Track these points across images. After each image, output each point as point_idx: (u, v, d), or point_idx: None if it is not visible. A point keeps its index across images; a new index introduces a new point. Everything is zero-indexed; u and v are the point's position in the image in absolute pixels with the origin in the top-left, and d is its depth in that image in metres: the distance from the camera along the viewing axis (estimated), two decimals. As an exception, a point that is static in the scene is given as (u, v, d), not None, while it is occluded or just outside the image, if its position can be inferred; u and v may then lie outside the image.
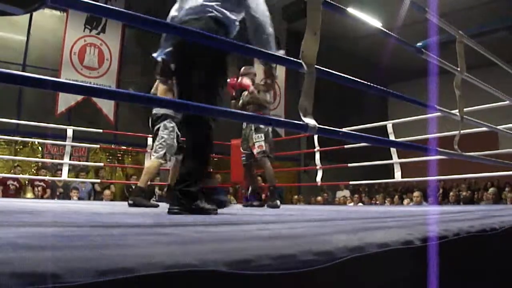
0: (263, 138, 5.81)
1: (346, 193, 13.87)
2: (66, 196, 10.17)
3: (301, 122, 1.95)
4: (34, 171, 11.77)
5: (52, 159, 12.00)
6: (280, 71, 16.92)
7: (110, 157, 14.04)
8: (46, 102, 12.16)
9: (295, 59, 2.05)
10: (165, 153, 5.24)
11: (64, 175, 8.20)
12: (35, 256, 0.77)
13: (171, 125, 5.34)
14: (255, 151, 5.91)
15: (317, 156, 9.01)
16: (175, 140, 5.34)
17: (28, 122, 8.69)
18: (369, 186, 15.88)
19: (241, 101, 6.18)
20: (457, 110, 3.66)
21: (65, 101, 12.23)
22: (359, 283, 1.11)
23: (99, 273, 0.68)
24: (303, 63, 2.01)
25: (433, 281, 1.27)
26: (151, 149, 8.99)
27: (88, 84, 1.61)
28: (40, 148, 12.67)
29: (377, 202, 13.11)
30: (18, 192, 10.11)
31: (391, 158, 7.56)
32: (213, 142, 3.15)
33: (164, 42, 3.46)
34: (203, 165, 3.14)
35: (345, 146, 8.65)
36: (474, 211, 3.81)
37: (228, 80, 5.36)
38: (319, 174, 8.89)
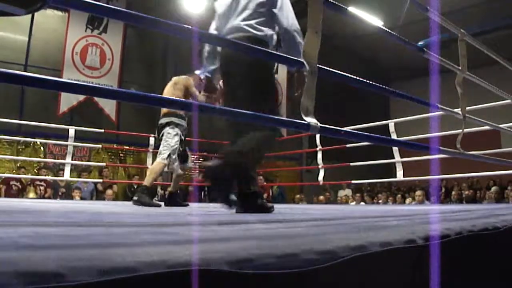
0: None
1: (348, 192, 13.88)
2: (68, 196, 10.18)
3: (303, 122, 1.95)
4: (36, 171, 11.78)
5: (54, 159, 12.02)
6: (282, 71, 16.96)
7: (112, 157, 14.06)
8: (48, 102, 12.19)
9: (296, 58, 2.05)
10: (169, 155, 5.44)
11: (66, 175, 8.21)
12: (38, 255, 0.77)
13: (175, 131, 5.53)
14: None
15: (319, 155, 9.00)
16: (179, 143, 5.53)
17: (30, 122, 8.70)
18: (371, 185, 15.88)
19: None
20: (459, 109, 3.66)
21: (67, 101, 12.26)
22: (361, 282, 1.11)
23: (102, 273, 0.68)
24: (304, 62, 2.00)
25: (435, 280, 1.27)
26: (153, 148, 9.05)
27: (90, 84, 1.61)
28: (42, 148, 12.69)
29: (379, 201, 13.11)
30: (20, 192, 10.12)
31: (393, 157, 7.55)
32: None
33: (207, 60, 3.61)
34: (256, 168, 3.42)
35: (347, 145, 8.64)
36: (476, 210, 3.81)
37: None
38: (321, 173, 8.89)
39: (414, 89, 7.58)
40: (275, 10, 3.32)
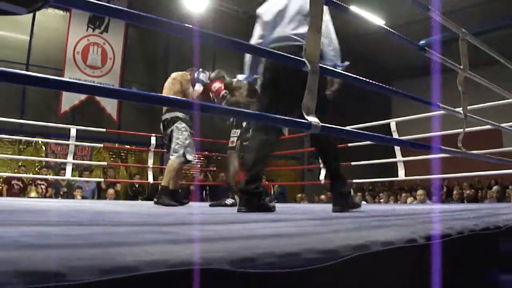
0: (238, 134, 5.71)
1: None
2: (69, 195, 10.18)
3: (304, 121, 1.95)
4: (38, 171, 11.79)
5: (56, 158, 12.02)
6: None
7: (114, 156, 14.06)
8: (49, 101, 12.20)
9: (298, 58, 2.05)
10: (184, 152, 5.36)
11: (68, 174, 8.21)
12: (39, 254, 0.77)
13: (183, 125, 5.45)
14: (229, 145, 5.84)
15: (321, 154, 8.98)
16: (190, 137, 5.46)
17: (31, 121, 8.70)
18: (373, 185, 15.87)
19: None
20: (460, 108, 3.65)
21: (69, 100, 12.27)
22: (362, 281, 1.11)
23: (103, 272, 0.68)
24: (306, 61, 2.00)
25: (436, 280, 1.27)
26: (155, 148, 9.05)
27: (91, 83, 1.61)
28: (43, 147, 12.70)
29: (381, 200, 13.10)
30: (22, 191, 10.12)
31: (395, 157, 7.54)
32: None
33: (250, 68, 3.77)
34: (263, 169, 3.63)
35: (349, 145, 8.63)
36: (478, 209, 3.81)
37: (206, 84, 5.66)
38: (323, 172, 8.88)
39: (415, 88, 7.60)
40: (325, 24, 3.30)
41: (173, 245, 1.01)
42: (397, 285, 1.24)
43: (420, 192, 10.52)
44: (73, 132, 8.14)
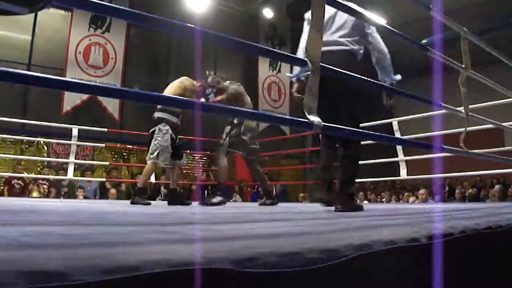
0: (227, 131, 5.71)
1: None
2: (71, 195, 10.19)
3: (306, 120, 1.95)
4: (39, 170, 11.79)
5: (58, 158, 12.03)
6: (285, 69, 16.95)
7: (116, 156, 14.07)
8: (51, 101, 12.19)
9: (299, 57, 2.05)
10: (158, 154, 5.49)
11: (70, 174, 8.22)
12: (41, 254, 0.77)
13: (166, 128, 5.56)
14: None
15: (322, 154, 8.98)
16: (169, 141, 5.54)
17: (33, 121, 8.71)
18: (375, 184, 15.85)
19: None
20: (462, 107, 3.65)
21: (71, 100, 12.26)
22: (365, 280, 1.11)
23: (105, 272, 0.68)
24: (307, 60, 2.00)
25: (439, 279, 1.27)
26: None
27: (93, 83, 1.61)
28: (45, 147, 12.71)
29: (383, 199, 13.09)
30: (23, 191, 10.11)
31: (397, 156, 7.54)
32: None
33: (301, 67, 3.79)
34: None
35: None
36: (480, 208, 3.81)
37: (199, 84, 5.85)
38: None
39: (416, 88, 7.57)
40: (368, 31, 3.82)
41: (175, 245, 1.01)
42: (399, 284, 1.24)
43: (422, 191, 10.51)
44: (75, 132, 8.15)
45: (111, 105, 12.95)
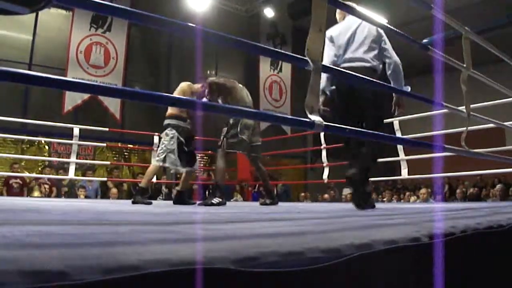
0: (224, 133, 5.73)
1: (353, 190, 13.83)
2: (72, 194, 10.19)
3: (307, 120, 1.95)
4: (41, 170, 11.80)
5: (59, 157, 12.04)
6: (286, 69, 16.95)
7: (117, 155, 14.08)
8: (52, 101, 12.20)
9: (300, 56, 2.05)
10: (165, 157, 5.73)
11: (71, 174, 8.22)
12: (42, 254, 0.77)
13: (172, 132, 5.79)
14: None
15: (324, 153, 8.99)
16: (175, 145, 5.76)
17: (34, 121, 8.72)
18: (376, 183, 15.86)
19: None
20: (463, 107, 3.65)
21: (72, 100, 12.27)
22: (366, 280, 1.11)
23: (106, 271, 0.68)
24: (308, 59, 2.00)
25: (440, 278, 1.27)
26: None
27: (95, 83, 1.61)
28: (46, 147, 12.71)
29: (384, 199, 13.08)
30: (22, 190, 10.10)
31: (398, 155, 7.53)
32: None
33: (325, 79, 4.23)
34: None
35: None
36: (481, 208, 3.80)
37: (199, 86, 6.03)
38: (326, 171, 8.88)
39: (416, 87, 7.57)
40: (385, 46, 4.21)
41: (176, 244, 1.01)
42: (401, 284, 1.24)
43: (423, 191, 10.51)
44: (76, 131, 8.15)
45: (112, 104, 12.96)
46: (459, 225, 1.54)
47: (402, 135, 7.28)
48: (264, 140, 6.20)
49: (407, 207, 4.73)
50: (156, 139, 8.96)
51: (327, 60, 4.17)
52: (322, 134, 8.56)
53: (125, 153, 14.32)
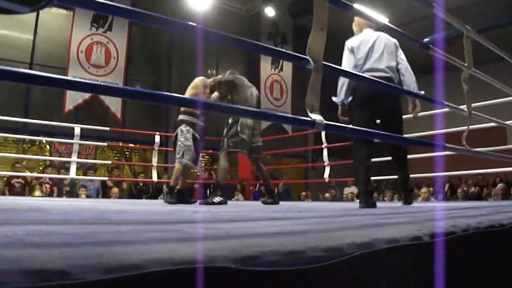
0: (224, 133, 5.75)
1: (354, 189, 13.83)
2: (73, 194, 10.20)
3: (308, 119, 1.95)
4: (42, 169, 11.81)
5: (60, 157, 12.05)
6: (287, 68, 16.95)
7: (118, 155, 14.09)
8: (53, 100, 12.22)
9: (301, 55, 2.05)
10: (182, 154, 5.78)
11: (72, 173, 8.23)
12: (43, 253, 0.77)
13: (187, 129, 5.82)
14: None
15: (325, 152, 8.99)
16: (191, 141, 5.81)
17: (35, 120, 8.73)
18: (377, 182, 15.85)
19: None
20: (465, 106, 3.65)
21: (73, 99, 12.29)
22: (367, 279, 1.11)
23: (107, 270, 0.68)
24: (309, 59, 2.00)
25: (441, 277, 1.26)
26: (158, 146, 9.10)
27: (96, 82, 1.61)
28: (48, 146, 12.72)
29: (385, 198, 13.08)
30: (24, 190, 10.11)
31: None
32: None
33: (344, 91, 4.45)
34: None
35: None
36: (482, 207, 3.80)
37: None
38: (327, 170, 8.88)
39: (418, 86, 7.56)
40: (401, 56, 4.54)
41: (177, 243, 1.01)
42: (402, 283, 1.24)
43: (424, 190, 10.51)
44: (77, 131, 8.16)
45: (114, 104, 12.98)
46: (461, 224, 1.54)
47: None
48: (265, 139, 6.21)
49: (409, 206, 4.73)
50: (157, 138, 8.97)
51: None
52: (323, 133, 8.55)
53: (126, 153, 14.33)
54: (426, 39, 11.53)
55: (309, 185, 16.43)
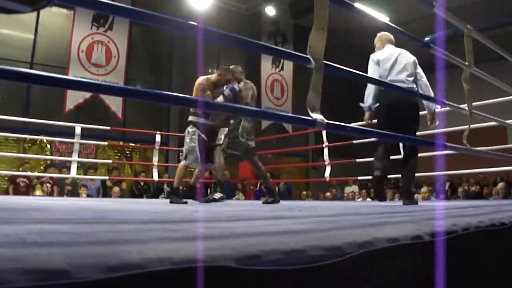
0: (225, 132, 5.82)
1: (355, 188, 13.84)
2: (74, 193, 10.20)
3: (309, 118, 1.95)
4: (43, 169, 11.81)
5: (61, 156, 12.04)
6: (288, 67, 16.93)
7: (118, 154, 14.09)
8: (54, 100, 12.22)
9: (302, 55, 2.05)
10: (186, 155, 5.77)
11: (73, 172, 8.23)
12: (44, 252, 0.77)
13: (193, 130, 5.79)
14: None
15: (326, 151, 8.99)
16: (196, 142, 5.76)
17: (36, 120, 8.73)
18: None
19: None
20: (465, 105, 3.65)
21: (74, 99, 12.27)
22: (368, 278, 1.11)
23: (108, 269, 0.68)
24: (310, 58, 2.00)
25: (442, 276, 1.26)
26: (159, 146, 9.10)
27: (97, 82, 1.62)
28: (48, 145, 12.72)
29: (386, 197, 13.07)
30: (28, 189, 10.12)
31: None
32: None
33: (371, 98, 5.01)
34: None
35: (354, 142, 8.63)
36: (483, 206, 3.80)
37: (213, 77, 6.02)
38: (328, 169, 8.88)
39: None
40: (418, 70, 4.97)
41: (178, 243, 1.01)
42: (402, 282, 1.24)
43: (424, 189, 10.50)
44: (78, 130, 8.17)
45: (114, 103, 12.96)
46: (461, 223, 1.54)
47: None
48: (265, 139, 6.26)
49: (409, 206, 4.73)
50: (158, 137, 8.97)
51: (369, 86, 4.99)
52: (324, 132, 8.55)
53: (127, 152, 14.33)
54: (426, 38, 11.52)
55: (309, 184, 16.42)
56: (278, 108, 16.54)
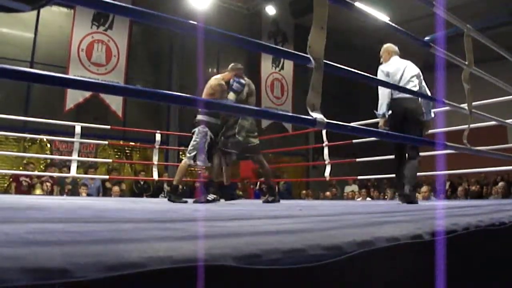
0: (222, 130, 5.80)
1: (355, 187, 13.84)
2: (74, 192, 10.20)
3: (309, 117, 1.95)
4: (43, 168, 11.80)
5: (61, 155, 12.04)
6: (288, 67, 16.93)
7: (119, 153, 14.08)
8: (54, 99, 12.21)
9: (302, 54, 2.05)
10: (195, 155, 5.69)
11: (73, 172, 8.23)
12: (44, 251, 0.77)
13: (204, 130, 5.72)
14: None
15: (326, 151, 8.99)
16: (206, 144, 5.71)
17: (36, 119, 8.73)
18: (378, 181, 15.84)
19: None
20: (465, 104, 3.65)
21: (74, 98, 12.27)
22: (368, 277, 1.11)
23: (108, 268, 0.68)
24: (310, 57, 2.00)
25: (442, 276, 1.26)
26: (159, 145, 9.10)
27: (96, 81, 1.61)
28: (48, 145, 12.71)
29: (386, 196, 13.07)
30: (30, 188, 10.13)
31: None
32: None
33: (385, 106, 5.23)
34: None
35: (354, 141, 8.63)
36: (483, 205, 3.80)
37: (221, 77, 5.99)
38: (328, 169, 8.88)
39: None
40: (422, 83, 5.34)
41: (178, 242, 1.01)
42: (402, 281, 1.24)
43: (424, 188, 10.50)
44: (77, 129, 8.16)
45: (114, 102, 12.96)
46: (461, 223, 1.54)
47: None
48: (265, 138, 6.26)
49: (409, 205, 4.73)
50: (158, 136, 8.97)
51: (385, 90, 5.19)
52: (324, 132, 8.55)
53: (127, 151, 14.32)
54: (427, 38, 11.52)
55: (309, 183, 16.42)
56: (278, 108, 16.54)
